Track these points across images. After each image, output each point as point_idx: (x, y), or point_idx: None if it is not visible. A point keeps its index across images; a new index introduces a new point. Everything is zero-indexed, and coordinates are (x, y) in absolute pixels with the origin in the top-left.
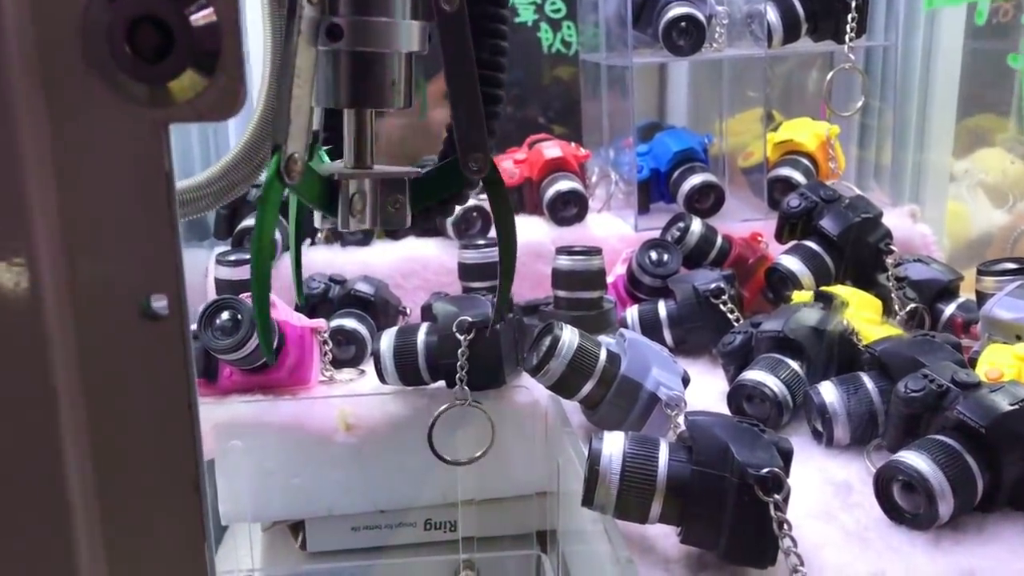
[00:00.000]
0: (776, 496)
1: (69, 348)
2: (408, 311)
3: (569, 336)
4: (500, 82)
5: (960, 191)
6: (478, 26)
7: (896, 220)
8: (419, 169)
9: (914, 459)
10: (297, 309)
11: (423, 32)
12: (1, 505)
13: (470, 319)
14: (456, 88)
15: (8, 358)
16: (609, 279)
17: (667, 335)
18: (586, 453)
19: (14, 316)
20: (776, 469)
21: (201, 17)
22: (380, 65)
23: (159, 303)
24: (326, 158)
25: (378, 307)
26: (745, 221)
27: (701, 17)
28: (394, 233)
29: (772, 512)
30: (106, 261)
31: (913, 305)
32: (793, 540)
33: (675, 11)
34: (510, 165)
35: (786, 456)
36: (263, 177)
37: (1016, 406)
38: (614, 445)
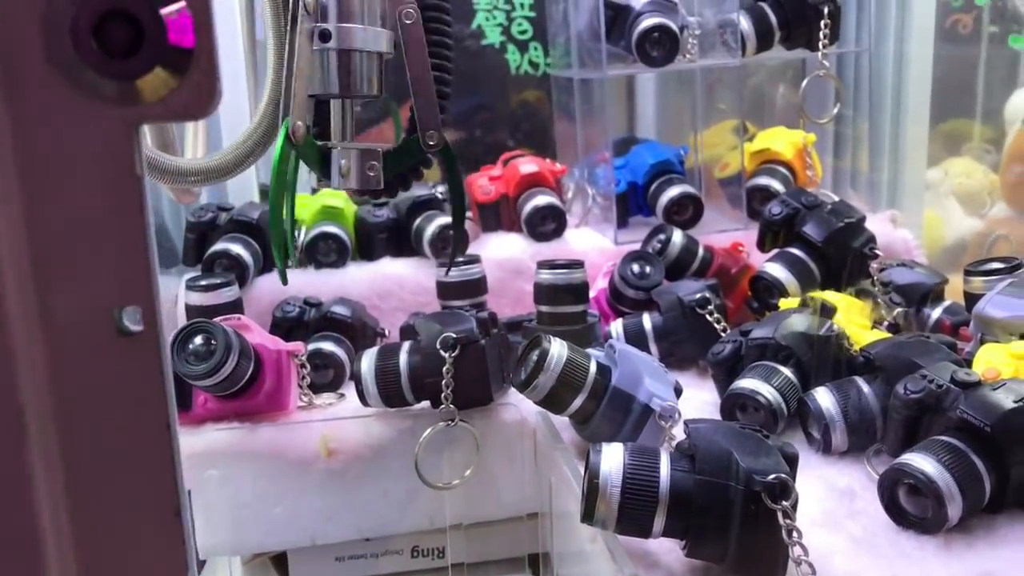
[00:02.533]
0: (784, 503)
1: (37, 364)
2: (387, 333)
3: (558, 349)
4: (449, 71)
5: (933, 199)
6: (430, 31)
7: (877, 226)
8: (389, 145)
9: (920, 461)
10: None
11: (390, 38)
12: None
13: (454, 335)
14: (416, 81)
15: None
16: (591, 293)
17: (653, 348)
18: (581, 469)
19: None
20: (783, 475)
21: (173, 11)
22: (359, 61)
23: (133, 316)
24: (312, 137)
25: (356, 329)
26: (723, 232)
27: (674, 27)
28: (369, 254)
29: (780, 520)
30: (75, 271)
31: (900, 309)
32: (804, 548)
33: (647, 22)
34: (485, 182)
35: (791, 461)
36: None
37: (1020, 403)
38: (613, 457)
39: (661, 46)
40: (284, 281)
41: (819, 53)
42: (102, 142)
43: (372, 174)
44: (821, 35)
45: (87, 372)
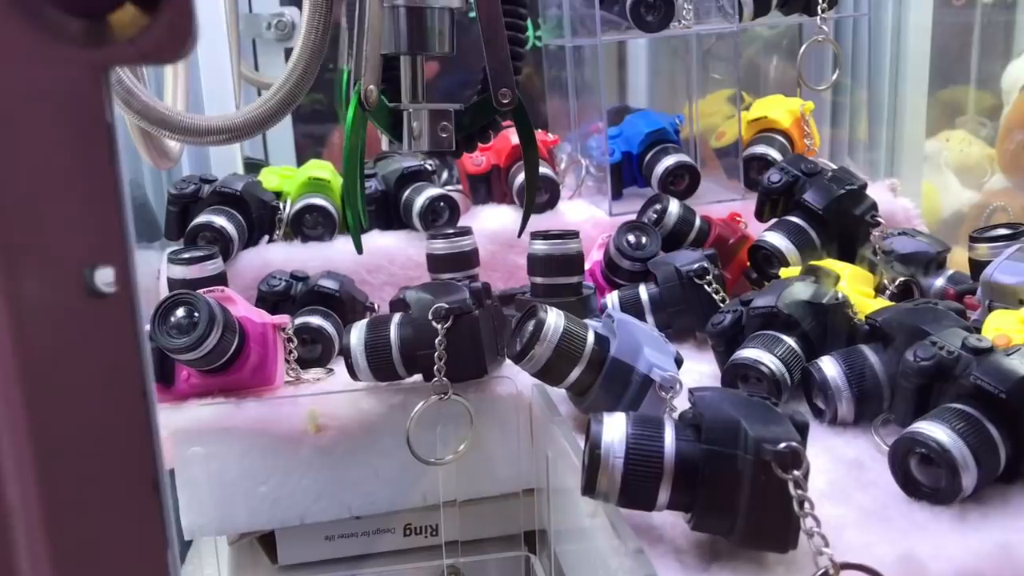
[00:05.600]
0: (795, 472)
1: (1, 328)
2: (376, 307)
3: (554, 319)
4: (523, 29)
5: (931, 170)
6: None
7: (876, 194)
8: (460, 105)
9: (932, 429)
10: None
11: None
12: None
13: (446, 306)
14: (489, 38)
15: None
16: (585, 266)
17: (650, 319)
18: (579, 443)
19: None
20: (794, 443)
21: None
22: (429, 18)
23: (105, 277)
24: (384, 100)
25: (344, 303)
26: (720, 202)
27: None
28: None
29: (792, 490)
30: (41, 227)
31: (903, 278)
32: (816, 519)
33: None
34: (476, 153)
35: (802, 430)
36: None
37: None
38: (615, 427)
39: (656, 11)
40: (359, 250)
41: (818, 18)
42: (69, 86)
43: (444, 135)
44: None
45: (56, 336)
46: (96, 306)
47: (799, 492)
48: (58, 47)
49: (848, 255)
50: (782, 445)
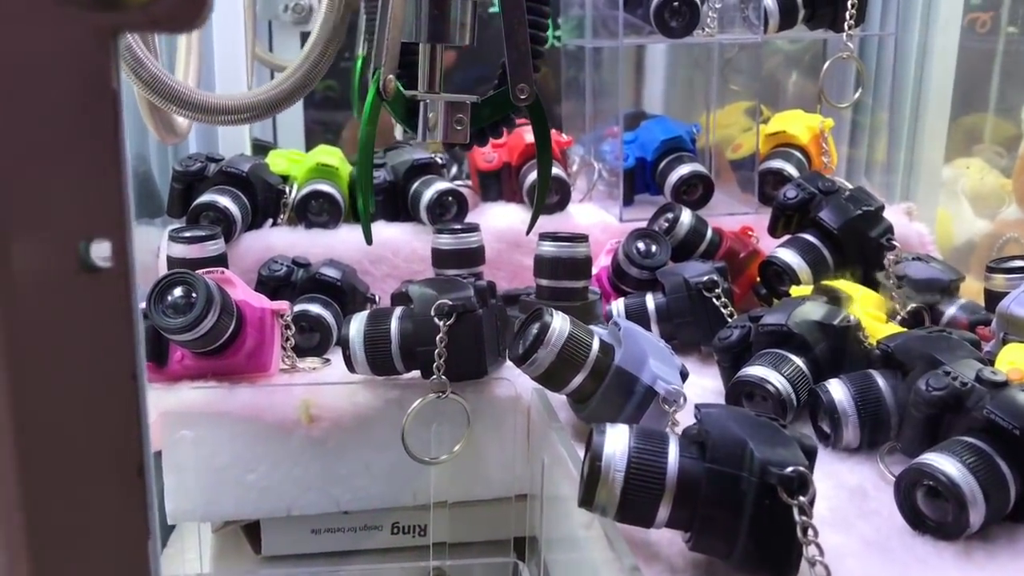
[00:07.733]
0: (801, 498)
1: None
2: (377, 299)
3: (560, 323)
4: (544, 27)
5: (946, 197)
6: None
7: (892, 218)
8: (477, 97)
9: (942, 462)
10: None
11: None
12: None
13: (450, 303)
14: (510, 33)
15: None
16: (593, 271)
17: (655, 330)
18: (577, 452)
19: None
20: (801, 468)
21: None
22: (451, 8)
23: (101, 251)
24: (401, 89)
25: (345, 293)
26: (733, 215)
27: None
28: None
29: (796, 516)
30: (37, 197)
31: (915, 305)
32: (819, 548)
33: None
34: (488, 149)
35: (810, 454)
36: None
37: None
38: (618, 440)
39: (680, 16)
40: (368, 240)
41: (843, 34)
42: (75, 50)
43: (459, 128)
44: (847, 15)
45: (46, 311)
46: (90, 281)
47: (804, 519)
48: (66, 8)
49: (859, 277)
50: (789, 469)
